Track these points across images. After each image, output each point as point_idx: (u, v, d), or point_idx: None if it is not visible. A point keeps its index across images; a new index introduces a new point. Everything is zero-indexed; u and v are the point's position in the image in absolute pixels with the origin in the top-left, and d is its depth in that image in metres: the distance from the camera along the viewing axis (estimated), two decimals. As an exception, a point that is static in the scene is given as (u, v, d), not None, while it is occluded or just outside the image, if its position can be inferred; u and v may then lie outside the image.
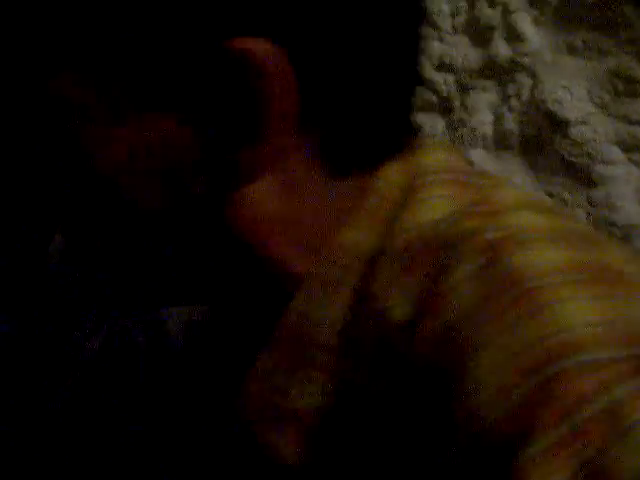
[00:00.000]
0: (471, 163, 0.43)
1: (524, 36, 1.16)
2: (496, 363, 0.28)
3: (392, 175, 0.37)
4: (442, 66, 1.25)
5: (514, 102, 1.18)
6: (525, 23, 1.15)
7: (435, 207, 0.35)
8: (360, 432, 0.35)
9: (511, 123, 1.18)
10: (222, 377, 0.44)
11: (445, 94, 1.25)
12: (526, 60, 1.16)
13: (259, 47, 0.31)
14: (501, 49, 1.18)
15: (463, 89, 1.23)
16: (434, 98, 1.26)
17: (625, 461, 0.25)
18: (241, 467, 0.41)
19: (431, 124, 1.26)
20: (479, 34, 1.21)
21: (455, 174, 0.38)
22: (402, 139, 0.38)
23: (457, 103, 1.24)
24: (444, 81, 1.24)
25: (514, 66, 1.17)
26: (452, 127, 1.25)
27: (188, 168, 0.34)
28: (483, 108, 1.21)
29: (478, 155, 1.22)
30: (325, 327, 0.36)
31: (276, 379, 0.37)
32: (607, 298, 0.30)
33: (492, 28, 1.18)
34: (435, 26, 1.25)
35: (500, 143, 1.21)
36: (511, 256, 0.31)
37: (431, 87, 1.26)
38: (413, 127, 0.39)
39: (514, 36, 1.17)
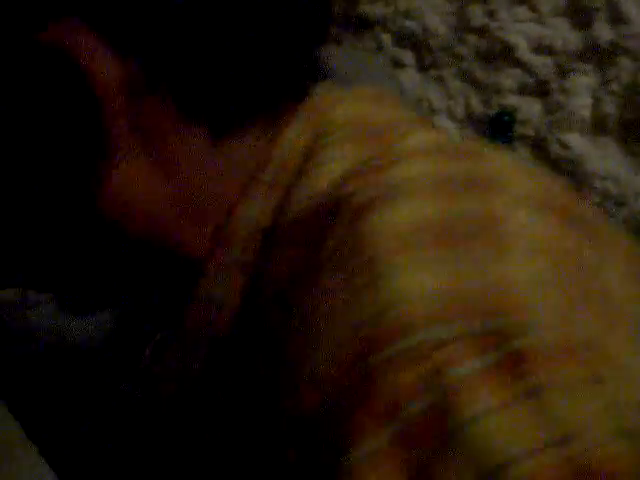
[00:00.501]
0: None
1: (628, 18, 1.14)
2: (324, 351, 0.25)
3: (293, 139, 0.33)
4: (540, 49, 1.24)
5: (614, 86, 1.16)
6: (630, 5, 1.13)
7: (330, 171, 0.31)
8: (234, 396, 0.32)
9: (611, 107, 1.16)
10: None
11: (542, 77, 1.24)
12: (630, 43, 1.14)
13: (78, 43, 0.29)
14: (603, 32, 1.16)
15: (562, 72, 1.22)
16: (531, 81, 1.25)
17: (447, 476, 0.21)
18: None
19: (527, 107, 1.25)
20: (580, 16, 1.19)
21: (367, 126, 0.33)
22: (304, 90, 0.34)
23: (555, 86, 1.22)
24: (542, 64, 1.23)
25: (616, 49, 1.15)
26: (549, 110, 1.24)
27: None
28: (582, 91, 1.20)
29: (574, 139, 1.21)
30: (226, 311, 0.33)
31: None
32: (452, 261, 0.25)
33: (596, 10, 1.16)
34: (534, 9, 1.24)
35: (598, 127, 1.19)
36: (366, 220, 0.27)
37: (528, 69, 1.25)
38: (319, 70, 0.35)
39: (617, 18, 1.15)
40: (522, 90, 1.26)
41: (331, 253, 0.28)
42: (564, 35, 1.21)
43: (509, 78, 1.27)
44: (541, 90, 1.25)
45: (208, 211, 0.33)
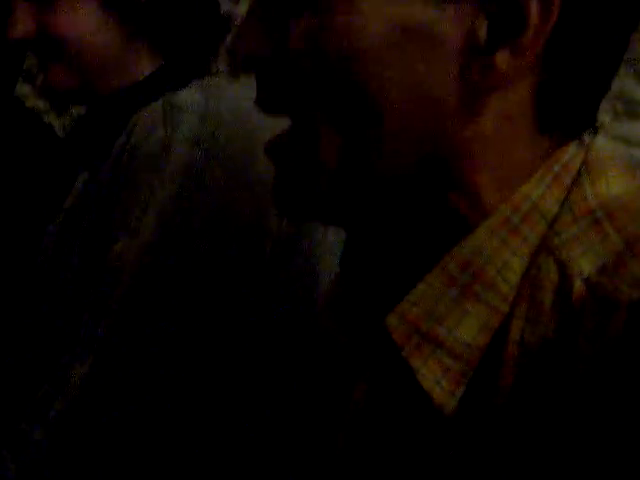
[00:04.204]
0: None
1: None
2: None
3: (574, 153, 0.41)
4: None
5: None
6: None
7: (611, 183, 0.40)
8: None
9: None
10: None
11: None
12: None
13: None
14: None
15: None
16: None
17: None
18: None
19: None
20: None
21: (623, 161, 0.42)
22: (585, 130, 0.43)
23: None
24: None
25: None
26: None
27: None
28: None
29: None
30: (496, 268, 0.39)
31: (437, 306, 0.40)
32: None
33: None
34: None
35: None
36: None
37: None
38: (596, 124, 0.43)
39: None
40: None
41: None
42: None
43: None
44: None
45: (504, 176, 0.40)
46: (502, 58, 0.38)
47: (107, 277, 0.77)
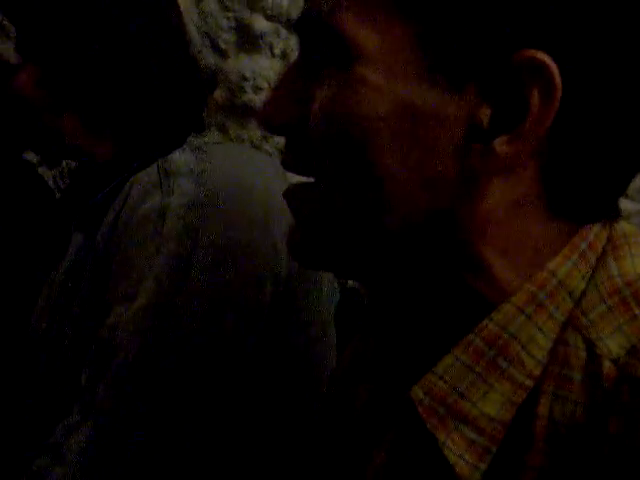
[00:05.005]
0: None
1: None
2: None
3: (599, 231, 0.42)
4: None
5: None
6: None
7: (636, 262, 0.41)
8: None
9: None
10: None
11: None
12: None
13: None
14: None
15: None
16: None
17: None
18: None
19: None
20: None
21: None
22: (608, 213, 0.43)
23: None
24: None
25: None
26: None
27: None
28: None
29: None
30: (521, 343, 0.40)
31: (462, 380, 0.41)
32: None
33: None
34: None
35: None
36: None
37: None
38: (619, 209, 0.44)
39: None
40: None
41: None
42: None
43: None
44: None
45: (528, 255, 0.41)
46: (501, 144, 0.38)
47: (103, 346, 0.76)
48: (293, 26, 0.44)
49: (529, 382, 0.40)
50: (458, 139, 0.39)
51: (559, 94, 0.37)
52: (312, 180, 0.44)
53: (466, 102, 0.38)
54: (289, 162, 0.45)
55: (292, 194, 0.45)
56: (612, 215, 0.43)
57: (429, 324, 0.44)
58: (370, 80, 0.39)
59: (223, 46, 1.42)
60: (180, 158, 0.82)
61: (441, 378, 0.41)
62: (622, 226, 0.43)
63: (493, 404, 0.40)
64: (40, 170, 1.68)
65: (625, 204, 1.06)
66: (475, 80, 0.38)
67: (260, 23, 1.41)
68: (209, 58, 1.40)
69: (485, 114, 0.38)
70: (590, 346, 0.39)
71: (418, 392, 0.42)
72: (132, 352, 0.75)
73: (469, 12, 0.37)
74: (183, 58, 0.86)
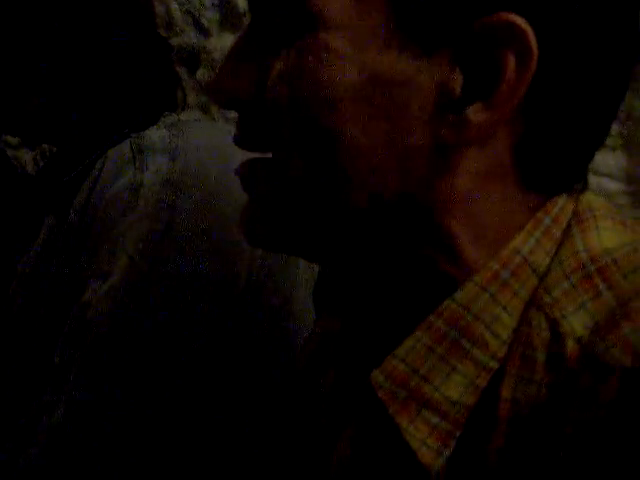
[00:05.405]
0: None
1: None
2: None
3: (564, 204, 0.40)
4: None
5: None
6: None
7: (602, 235, 0.40)
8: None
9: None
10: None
11: None
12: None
13: None
14: None
15: None
16: None
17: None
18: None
19: None
20: None
21: (612, 213, 0.42)
22: (576, 183, 0.42)
23: None
24: None
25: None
26: None
27: None
28: None
29: None
30: (485, 323, 0.39)
31: (424, 363, 0.39)
32: None
33: None
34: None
35: None
36: None
37: None
38: (586, 177, 0.43)
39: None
40: None
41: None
42: None
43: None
44: None
45: (492, 230, 0.39)
46: (475, 113, 0.36)
47: (77, 324, 0.75)
48: None
49: (493, 363, 0.38)
50: (429, 108, 0.37)
51: (535, 59, 0.35)
52: (268, 156, 0.41)
53: (438, 69, 0.36)
54: (243, 139, 0.42)
55: (246, 170, 0.43)
56: (580, 186, 0.42)
57: (395, 305, 0.43)
58: (335, 47, 0.37)
59: (206, 24, 1.40)
60: (154, 135, 0.80)
61: (402, 361, 0.40)
62: (589, 198, 0.42)
63: (456, 387, 0.39)
64: (21, 152, 1.67)
65: (608, 184, 1.05)
66: (447, 45, 0.36)
67: (244, 1, 1.39)
68: (192, 37, 1.38)
69: (458, 82, 0.36)
70: (553, 325, 0.38)
71: (378, 376, 0.40)
72: (105, 330, 0.74)
73: None
74: (151, 36, 0.84)
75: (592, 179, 1.04)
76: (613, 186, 1.04)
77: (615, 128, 1.01)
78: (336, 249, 0.41)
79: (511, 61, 0.36)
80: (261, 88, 0.39)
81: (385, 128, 0.37)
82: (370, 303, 0.45)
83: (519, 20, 0.35)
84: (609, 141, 1.02)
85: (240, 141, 0.43)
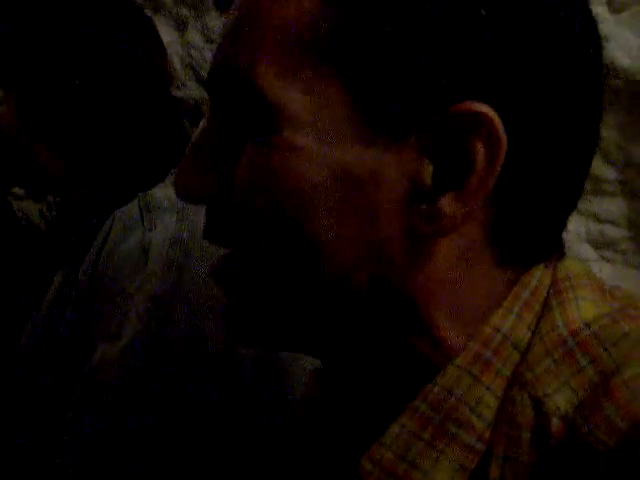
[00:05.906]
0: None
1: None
2: None
3: (541, 276, 0.40)
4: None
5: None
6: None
7: (581, 307, 0.39)
8: None
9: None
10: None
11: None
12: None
13: None
14: None
15: None
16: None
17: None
18: None
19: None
20: None
21: (590, 280, 0.41)
22: (553, 252, 0.42)
23: None
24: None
25: None
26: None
27: None
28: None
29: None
30: (470, 406, 0.38)
31: (411, 448, 0.39)
32: None
33: None
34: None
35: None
36: None
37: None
38: (562, 244, 0.42)
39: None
40: None
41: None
42: None
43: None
44: None
45: (468, 310, 0.39)
46: (448, 204, 0.36)
47: (88, 384, 0.75)
48: (203, 83, 0.42)
49: (480, 445, 0.38)
50: (400, 201, 0.36)
51: (504, 147, 0.35)
52: (237, 257, 0.40)
53: (406, 161, 0.36)
54: (211, 232, 0.41)
55: (219, 273, 0.42)
56: (558, 253, 0.42)
57: (377, 391, 0.42)
58: (299, 145, 0.36)
59: (206, 77, 1.42)
60: (161, 193, 0.81)
61: (389, 448, 0.39)
62: (567, 265, 0.41)
63: (445, 471, 0.38)
64: (26, 203, 1.68)
65: (611, 231, 1.05)
66: (414, 135, 0.35)
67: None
68: (193, 90, 1.40)
69: (427, 172, 0.36)
70: (537, 404, 0.37)
71: (367, 464, 0.40)
72: (117, 391, 0.74)
73: (402, 63, 0.34)
74: (162, 94, 0.85)
75: (595, 226, 1.06)
76: (616, 233, 1.05)
77: (615, 175, 1.02)
78: (321, 342, 0.41)
79: (480, 151, 0.35)
80: (227, 184, 0.39)
81: (356, 224, 0.37)
82: (354, 387, 0.45)
83: (485, 108, 0.35)
84: (610, 188, 1.03)
85: (209, 234, 0.42)
